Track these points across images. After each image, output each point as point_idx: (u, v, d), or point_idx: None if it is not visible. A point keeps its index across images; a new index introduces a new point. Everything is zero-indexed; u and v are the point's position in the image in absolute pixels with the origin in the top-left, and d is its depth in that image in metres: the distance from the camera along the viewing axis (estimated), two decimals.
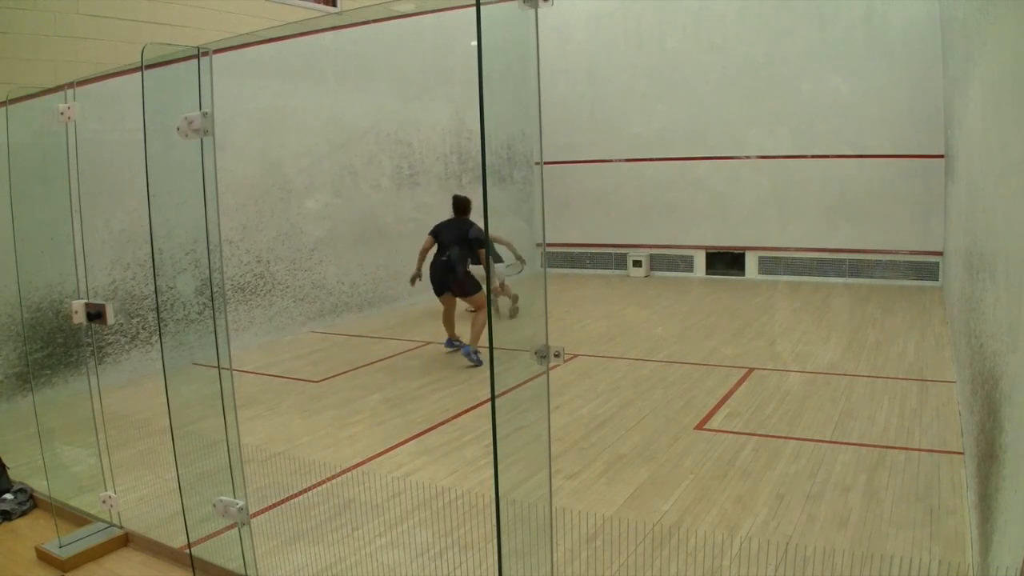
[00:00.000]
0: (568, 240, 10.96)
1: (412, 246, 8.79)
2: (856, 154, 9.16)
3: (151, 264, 3.30)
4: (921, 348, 6.26)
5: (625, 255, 10.72)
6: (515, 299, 7.62)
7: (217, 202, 2.74)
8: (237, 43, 6.03)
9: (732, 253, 10.06)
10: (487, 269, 6.42)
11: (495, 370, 2.44)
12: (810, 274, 9.60)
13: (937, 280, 8.85)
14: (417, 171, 9.26)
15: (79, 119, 3.35)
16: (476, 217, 8.96)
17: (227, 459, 2.80)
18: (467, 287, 6.39)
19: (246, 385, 5.91)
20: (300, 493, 3.92)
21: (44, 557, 3.32)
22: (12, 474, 4.03)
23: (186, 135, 2.66)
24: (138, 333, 6.40)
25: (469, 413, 5.12)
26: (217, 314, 2.84)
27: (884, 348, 6.29)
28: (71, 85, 3.40)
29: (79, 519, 3.60)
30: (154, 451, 4.38)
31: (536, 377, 2.37)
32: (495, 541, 2.31)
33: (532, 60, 2.19)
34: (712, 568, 3.01)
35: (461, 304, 6.99)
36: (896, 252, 9.10)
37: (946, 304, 7.50)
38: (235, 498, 2.82)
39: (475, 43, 2.01)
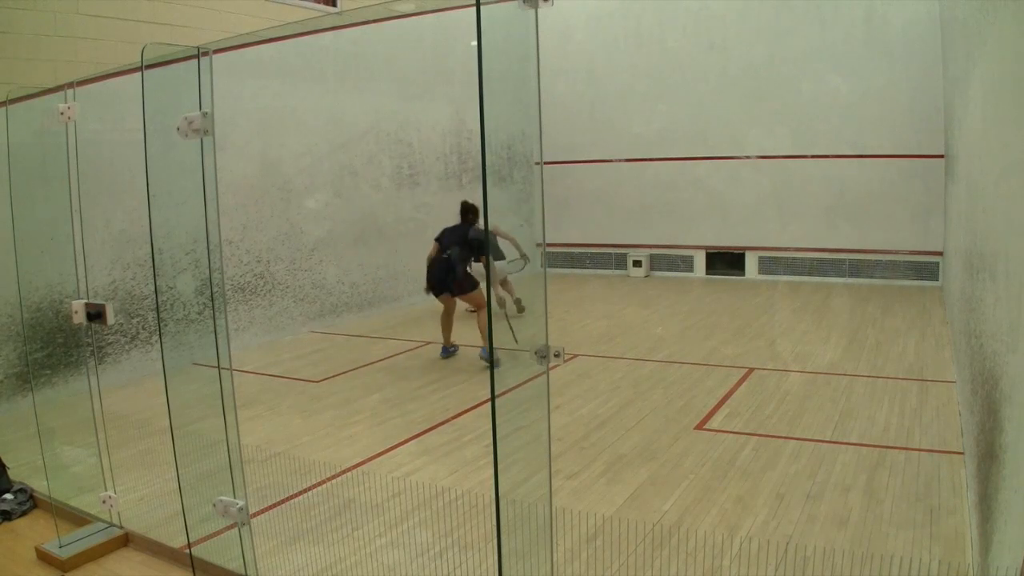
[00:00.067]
0: (568, 240, 10.97)
1: (412, 246, 8.82)
2: (856, 154, 9.16)
3: (151, 264, 3.30)
4: (921, 348, 6.26)
5: (625, 255, 10.72)
6: (518, 302, 7.59)
7: (217, 202, 2.74)
8: (237, 43, 6.03)
9: (732, 253, 10.06)
10: (487, 267, 6.42)
11: (495, 370, 2.44)
12: (810, 274, 9.60)
13: (937, 280, 8.85)
14: (417, 171, 9.26)
15: (79, 119, 3.35)
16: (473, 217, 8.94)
17: (227, 459, 2.79)
18: (465, 285, 6.35)
19: (246, 385, 5.91)
20: (300, 493, 3.92)
21: (44, 557, 3.32)
22: (12, 474, 4.03)
23: (186, 135, 2.66)
24: (138, 333, 6.40)
25: (469, 413, 5.12)
26: (217, 314, 2.84)
27: (884, 348, 6.29)
28: (71, 85, 3.40)
29: (79, 519, 3.60)
30: (154, 451, 4.38)
31: (536, 377, 2.37)
32: (495, 541, 2.31)
33: (532, 60, 2.19)
34: (712, 568, 3.01)
35: (460, 306, 6.99)
36: (896, 252, 9.10)
37: (946, 304, 7.50)
38: (235, 498, 2.82)
39: (475, 43, 2.01)
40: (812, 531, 3.26)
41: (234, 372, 2.81)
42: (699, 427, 4.63)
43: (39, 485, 3.91)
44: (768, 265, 9.85)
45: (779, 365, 5.94)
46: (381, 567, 3.17)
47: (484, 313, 6.40)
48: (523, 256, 7.49)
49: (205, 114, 2.64)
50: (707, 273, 10.27)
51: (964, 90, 4.71)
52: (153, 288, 5.82)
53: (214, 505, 2.86)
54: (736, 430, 4.55)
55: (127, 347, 6.32)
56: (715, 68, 9.79)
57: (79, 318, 3.37)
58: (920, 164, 8.79)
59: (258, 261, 7.50)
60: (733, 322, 7.59)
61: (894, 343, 6.44)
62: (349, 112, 8.41)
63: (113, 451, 3.65)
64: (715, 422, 4.72)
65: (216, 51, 2.69)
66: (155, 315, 5.74)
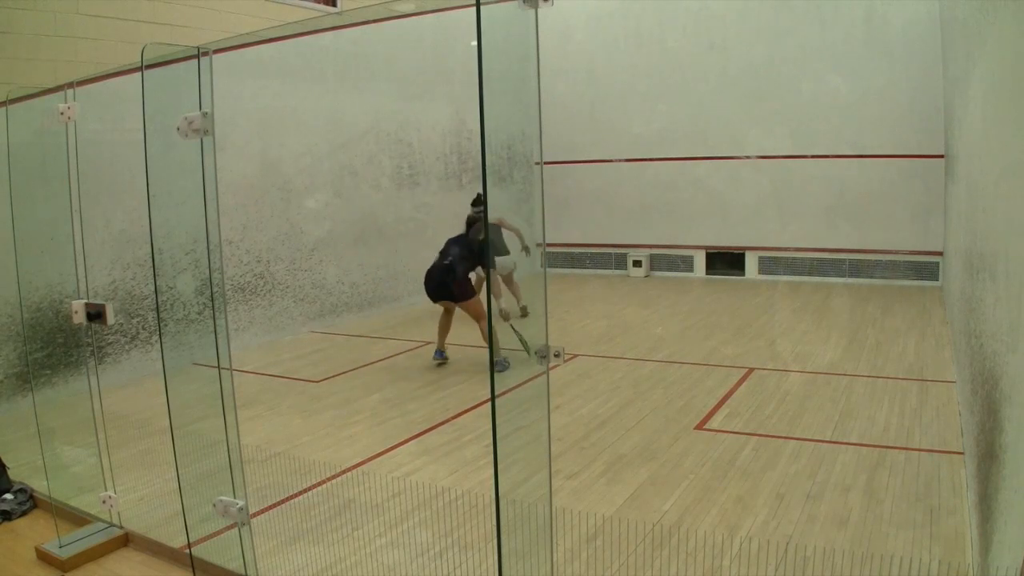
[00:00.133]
0: (568, 240, 10.96)
1: (412, 246, 8.83)
2: (856, 154, 9.16)
3: (151, 264, 3.30)
4: (921, 348, 6.26)
5: (625, 255, 10.72)
6: (523, 308, 7.57)
7: (217, 202, 2.74)
8: (237, 43, 6.03)
9: (732, 253, 10.06)
10: (487, 276, 6.37)
11: (495, 370, 2.44)
12: (810, 274, 9.60)
13: (937, 280, 8.85)
14: (417, 171, 9.26)
15: (79, 119, 3.35)
16: None
17: (227, 459, 2.80)
18: (466, 290, 6.18)
19: (246, 385, 5.91)
20: (300, 493, 3.92)
21: (44, 557, 3.32)
22: (12, 474, 4.03)
23: (186, 135, 2.66)
24: (138, 333, 6.40)
25: (469, 413, 5.12)
26: (217, 314, 2.84)
27: (884, 348, 6.29)
28: (71, 85, 3.40)
29: (79, 519, 3.60)
30: (154, 451, 4.38)
31: (536, 377, 2.37)
32: (495, 541, 2.31)
33: (532, 60, 2.19)
34: (712, 568, 3.01)
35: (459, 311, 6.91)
36: (896, 252, 9.10)
37: (946, 304, 7.50)
38: (235, 498, 2.82)
39: (475, 43, 2.01)
40: (812, 531, 3.26)
41: (234, 372, 2.82)
42: (699, 427, 4.63)
43: (39, 485, 3.91)
44: (768, 265, 9.85)
45: (779, 365, 5.94)
46: (381, 567, 3.17)
47: (482, 324, 6.22)
48: (525, 248, 7.48)
49: (205, 114, 2.64)
50: (707, 273, 10.27)
51: (964, 90, 4.71)
52: (153, 288, 5.82)
53: (214, 505, 2.86)
54: (736, 430, 4.55)
55: (127, 347, 6.32)
56: (715, 68, 9.79)
57: (79, 318, 3.37)
58: (920, 164, 8.79)
59: (258, 261, 7.50)
60: (733, 322, 7.59)
61: (894, 343, 6.44)
62: (349, 112, 8.41)
63: (113, 451, 3.65)
64: (715, 422, 4.72)
65: (216, 51, 2.69)
66: (155, 315, 5.74)
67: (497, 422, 2.28)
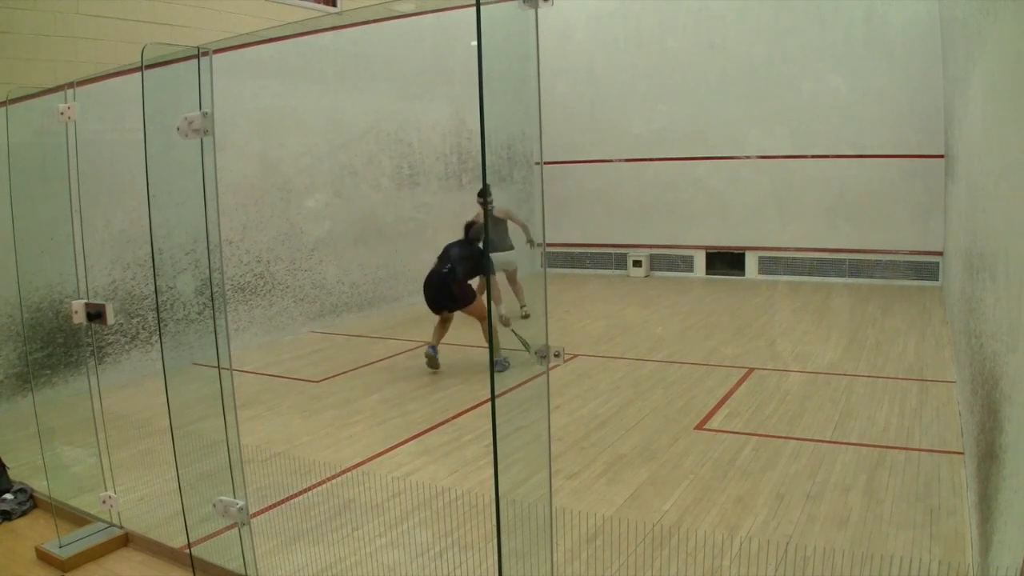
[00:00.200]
0: (568, 240, 10.96)
1: (412, 246, 8.83)
2: (856, 154, 9.16)
3: (151, 264, 3.30)
4: (921, 348, 6.26)
5: (625, 255, 10.72)
6: (523, 309, 7.56)
7: (217, 202, 2.74)
8: (237, 43, 6.03)
9: (732, 253, 10.06)
10: (488, 285, 6.33)
11: (495, 370, 2.44)
12: (810, 274, 9.59)
13: (937, 280, 8.85)
14: (417, 171, 9.26)
15: (79, 119, 3.35)
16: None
17: (227, 459, 2.80)
18: (468, 294, 6.11)
19: (246, 385, 5.91)
20: (300, 493, 3.92)
21: (44, 557, 3.33)
22: (12, 474, 4.03)
23: (186, 135, 2.66)
24: (138, 333, 6.40)
25: (469, 413, 5.12)
26: (217, 314, 2.84)
27: (884, 348, 6.29)
28: (71, 85, 3.40)
29: (79, 519, 3.61)
30: (154, 451, 4.38)
31: (536, 377, 2.37)
32: (495, 541, 2.31)
33: (532, 60, 2.19)
34: (712, 568, 3.01)
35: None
36: (896, 252, 9.10)
37: (946, 304, 7.50)
38: (235, 498, 2.82)
39: (475, 43, 2.01)
40: (812, 531, 3.26)
41: (234, 372, 2.82)
42: (699, 427, 4.63)
43: (39, 485, 3.91)
44: (768, 265, 9.85)
45: (779, 365, 5.94)
46: (381, 567, 3.17)
47: (485, 325, 6.15)
48: (530, 241, 7.47)
49: (205, 114, 2.64)
50: (707, 273, 10.27)
51: (964, 90, 4.71)
52: (153, 288, 5.82)
53: (214, 505, 2.86)
54: (736, 430, 4.55)
55: (127, 347, 6.32)
56: (715, 68, 9.79)
57: (79, 318, 3.37)
58: (920, 164, 8.79)
59: (258, 261, 7.50)
60: (733, 322, 7.59)
61: (894, 343, 6.44)
62: (349, 112, 8.41)
63: (113, 451, 3.65)
64: (715, 422, 4.72)
65: (216, 51, 2.69)
66: (155, 315, 5.74)
67: (497, 422, 2.28)
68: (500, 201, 8.08)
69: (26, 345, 5.61)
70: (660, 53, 10.15)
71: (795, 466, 3.96)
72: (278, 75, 7.53)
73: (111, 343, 6.19)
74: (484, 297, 6.46)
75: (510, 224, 7.65)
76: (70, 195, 3.63)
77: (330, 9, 8.92)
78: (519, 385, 2.51)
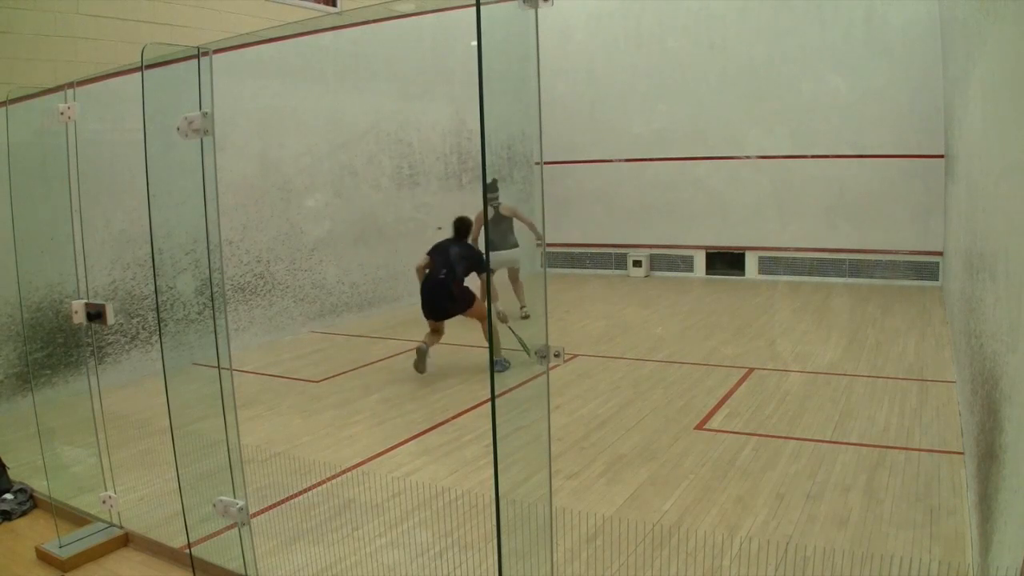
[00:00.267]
0: (568, 240, 10.97)
1: (412, 246, 8.81)
2: (856, 154, 9.16)
3: (151, 264, 3.30)
4: (921, 348, 6.26)
5: (625, 255, 10.72)
6: (523, 310, 7.55)
7: (217, 202, 2.74)
8: (237, 43, 6.03)
9: (732, 253, 10.06)
10: (487, 284, 6.31)
11: (495, 370, 2.44)
12: (810, 274, 9.59)
13: (937, 280, 8.85)
14: (417, 171, 9.26)
15: (79, 119, 3.35)
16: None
17: (227, 459, 2.80)
18: (467, 296, 6.03)
19: (246, 385, 5.91)
20: (300, 493, 3.92)
21: (44, 557, 3.32)
22: (12, 474, 4.03)
23: (186, 135, 2.66)
24: (138, 333, 6.40)
25: (469, 413, 5.12)
26: (217, 314, 2.84)
27: (884, 348, 6.29)
28: (71, 85, 3.40)
29: (79, 519, 3.61)
30: (154, 451, 4.38)
31: (536, 377, 2.37)
32: (495, 541, 2.31)
33: (532, 60, 2.19)
34: (712, 568, 3.01)
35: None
36: (896, 252, 9.10)
37: (946, 304, 7.50)
38: (235, 498, 2.82)
39: (475, 43, 2.01)
40: (812, 531, 3.26)
41: (234, 372, 2.82)
42: (699, 427, 4.63)
43: (39, 485, 3.91)
44: (768, 265, 9.85)
45: (779, 365, 5.94)
46: (381, 567, 3.17)
47: (486, 325, 6.07)
48: (540, 240, 7.46)
49: (205, 114, 2.64)
50: (707, 273, 10.27)
51: (964, 90, 4.71)
52: (153, 288, 5.82)
53: (214, 505, 2.86)
54: (736, 430, 4.55)
55: (127, 347, 6.32)
56: (715, 68, 9.79)
57: (79, 318, 3.37)
58: (920, 164, 8.79)
59: (258, 261, 7.51)
60: (733, 322, 7.59)
61: (894, 343, 6.44)
62: (349, 112, 8.41)
63: (113, 451, 3.65)
64: (715, 422, 4.72)
65: (216, 51, 2.69)
66: (155, 315, 5.75)
67: (497, 422, 2.28)
68: (500, 201, 8.07)
69: (26, 345, 5.62)
70: (660, 53, 10.15)
71: (795, 466, 3.96)
72: (278, 75, 7.53)
73: (111, 343, 6.19)
74: (483, 297, 6.44)
75: (516, 223, 7.64)
76: (70, 195, 3.63)
77: (330, 9, 8.92)
78: (519, 385, 2.51)
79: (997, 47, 2.71)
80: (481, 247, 6.51)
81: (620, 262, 10.80)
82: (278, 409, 5.40)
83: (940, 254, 8.75)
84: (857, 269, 9.35)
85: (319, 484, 4.02)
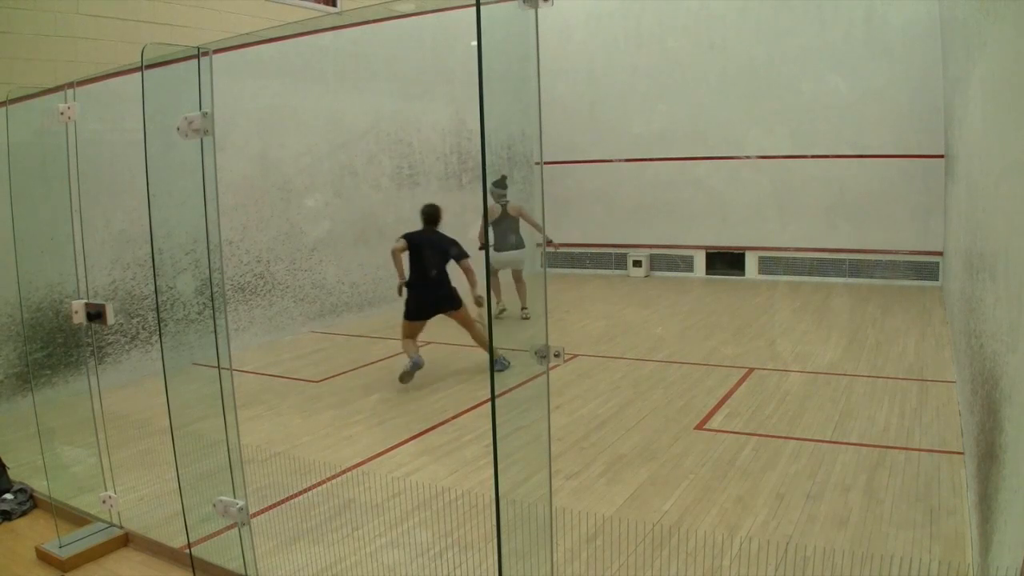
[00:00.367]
0: (568, 240, 10.96)
1: None
2: (856, 154, 9.16)
3: (151, 264, 3.30)
4: (921, 348, 6.26)
5: (625, 255, 10.72)
6: (524, 311, 7.54)
7: (217, 202, 2.74)
8: (237, 43, 6.03)
9: (732, 253, 10.06)
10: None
11: (495, 370, 2.44)
12: (810, 274, 9.59)
13: (937, 280, 8.85)
14: (417, 171, 9.26)
15: (79, 119, 3.35)
16: (474, 217, 8.96)
17: (227, 459, 2.80)
18: (456, 298, 5.89)
19: (246, 385, 5.91)
20: (300, 493, 3.92)
21: (44, 557, 3.32)
22: (12, 474, 4.03)
23: (186, 135, 2.66)
24: (138, 333, 6.40)
25: (469, 413, 5.12)
26: (217, 314, 2.84)
27: (884, 348, 6.29)
28: (71, 85, 3.40)
29: (79, 519, 3.60)
30: (154, 451, 4.38)
31: (536, 377, 2.37)
32: (495, 541, 2.31)
33: (532, 60, 2.19)
34: (712, 568, 3.01)
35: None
36: (896, 252, 9.10)
37: (946, 304, 7.50)
38: (235, 498, 2.82)
39: (475, 43, 2.01)
40: (812, 531, 3.26)
41: (234, 372, 2.82)
42: (699, 427, 4.63)
43: (39, 485, 3.91)
44: (768, 265, 9.85)
45: (779, 365, 5.94)
46: (381, 567, 3.17)
47: (474, 328, 5.96)
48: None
49: (205, 114, 2.64)
50: (707, 273, 10.27)
51: (964, 90, 4.71)
52: (153, 288, 5.82)
53: (214, 505, 2.86)
54: (736, 430, 4.55)
55: (127, 347, 6.32)
56: (715, 68, 9.79)
57: (79, 318, 3.37)
58: (920, 164, 8.79)
59: (258, 261, 7.50)
60: (733, 322, 7.59)
61: (894, 343, 6.44)
62: (349, 112, 8.41)
63: (113, 451, 3.65)
64: (715, 422, 4.72)
65: (216, 51, 2.69)
66: (155, 315, 5.75)
67: (497, 422, 2.28)
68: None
69: (26, 345, 5.62)
70: (660, 53, 10.15)
71: (795, 466, 3.96)
72: (278, 75, 7.53)
73: (111, 343, 6.19)
74: (468, 303, 6.24)
75: (522, 224, 7.62)
76: (70, 195, 3.63)
77: (330, 9, 8.92)
78: (519, 385, 2.51)
79: (997, 47, 2.71)
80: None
81: (620, 262, 10.80)
82: (278, 409, 5.40)
83: (940, 254, 8.75)
84: (857, 269, 9.35)
85: (319, 484, 4.02)
